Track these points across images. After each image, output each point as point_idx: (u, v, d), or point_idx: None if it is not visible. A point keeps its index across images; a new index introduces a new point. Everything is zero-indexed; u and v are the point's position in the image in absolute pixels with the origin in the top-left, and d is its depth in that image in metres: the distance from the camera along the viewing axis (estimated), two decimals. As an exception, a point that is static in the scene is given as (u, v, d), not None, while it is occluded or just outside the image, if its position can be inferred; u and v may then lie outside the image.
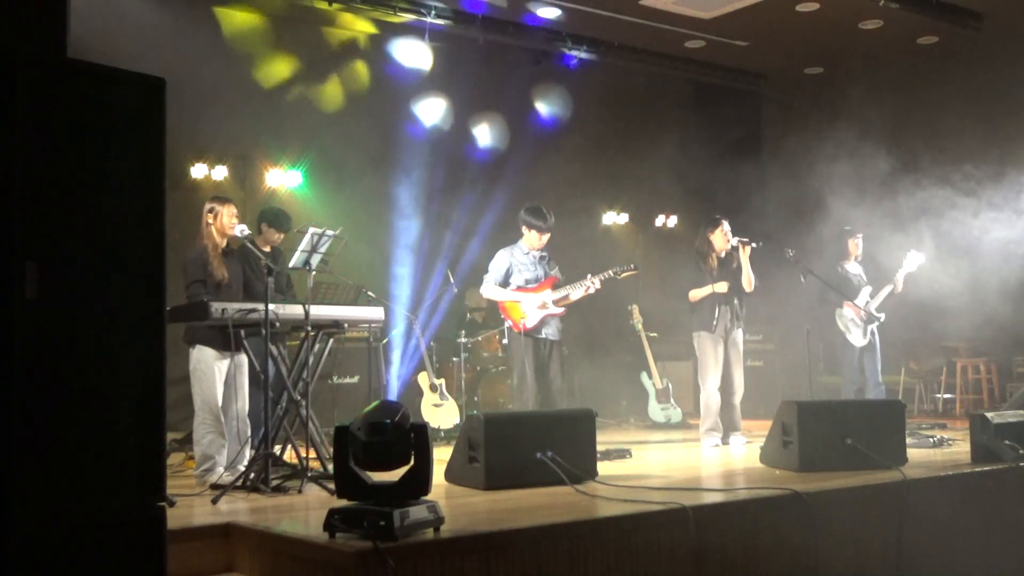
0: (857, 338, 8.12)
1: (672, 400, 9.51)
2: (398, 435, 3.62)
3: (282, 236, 6.78)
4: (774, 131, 11.40)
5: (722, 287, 7.35)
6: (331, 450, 4.39)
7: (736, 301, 7.47)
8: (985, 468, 5.57)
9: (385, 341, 8.60)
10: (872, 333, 8.14)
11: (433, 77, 9.93)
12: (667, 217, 11.88)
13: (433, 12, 9.06)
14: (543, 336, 6.99)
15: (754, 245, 7.44)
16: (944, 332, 10.20)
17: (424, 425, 3.74)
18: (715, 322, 7.35)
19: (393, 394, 8.76)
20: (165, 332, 3.26)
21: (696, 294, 7.43)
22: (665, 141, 11.28)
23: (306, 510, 4.62)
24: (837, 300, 8.11)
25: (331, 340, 5.96)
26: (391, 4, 8.88)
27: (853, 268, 8.38)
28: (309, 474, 5.20)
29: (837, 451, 5.52)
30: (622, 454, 6.60)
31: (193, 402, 5.71)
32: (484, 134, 10.36)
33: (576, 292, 6.98)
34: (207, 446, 5.61)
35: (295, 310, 5.51)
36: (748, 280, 7.47)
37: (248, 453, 5.65)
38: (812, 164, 9.85)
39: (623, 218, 11.63)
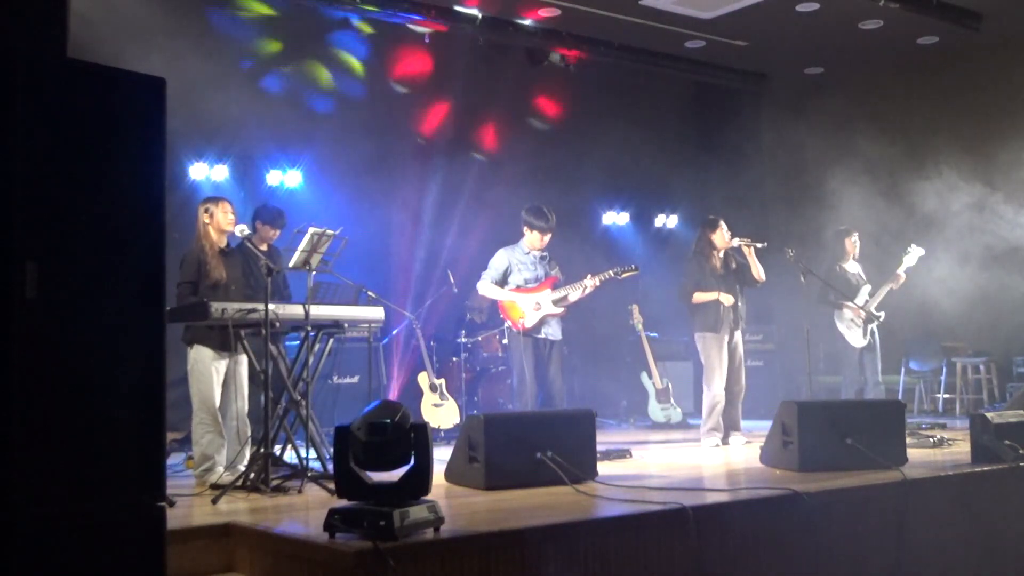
0: (856, 338, 8.12)
1: (672, 400, 9.51)
2: (398, 435, 3.62)
3: (277, 233, 6.79)
4: (774, 131, 11.40)
5: (727, 299, 7.34)
6: (331, 450, 4.39)
7: (737, 301, 7.47)
8: (985, 468, 5.57)
9: (385, 341, 8.60)
10: (872, 333, 8.14)
11: (432, 77, 9.93)
12: (667, 217, 11.89)
13: (433, 11, 9.06)
14: (543, 336, 7.00)
15: (759, 245, 7.44)
16: (944, 332, 10.20)
17: (424, 425, 3.74)
18: (720, 323, 7.35)
19: (393, 394, 8.77)
20: (165, 332, 3.26)
21: (701, 297, 7.42)
22: (665, 141, 11.28)
23: (306, 510, 4.62)
24: (836, 300, 8.11)
25: (331, 340, 5.96)
26: (391, 4, 8.88)
27: (852, 267, 8.38)
28: (309, 474, 5.20)
29: (837, 451, 5.52)
30: (622, 454, 6.60)
31: (191, 402, 5.72)
32: (484, 134, 10.36)
33: (575, 292, 6.99)
34: (206, 446, 5.62)
35: (295, 310, 5.51)
36: (758, 273, 7.47)
37: (248, 453, 5.65)
38: (812, 164, 9.87)
39: (623, 218, 11.63)
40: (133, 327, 3.15)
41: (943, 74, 10.59)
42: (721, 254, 7.53)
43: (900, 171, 9.58)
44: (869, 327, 8.11)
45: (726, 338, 7.38)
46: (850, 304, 8.07)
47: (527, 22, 9.63)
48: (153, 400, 3.18)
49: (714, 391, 7.36)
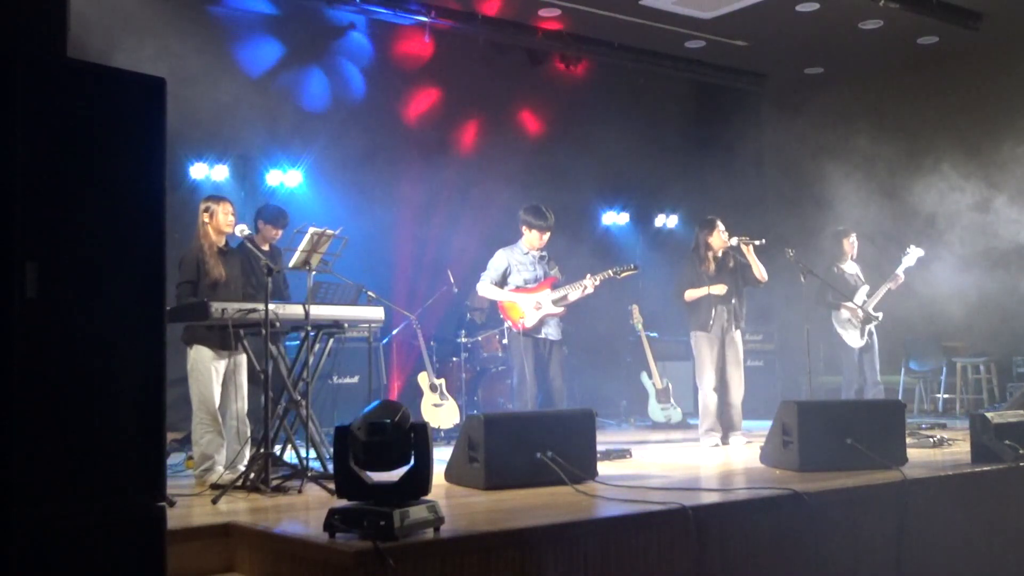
0: (854, 339, 8.12)
1: (672, 400, 9.51)
2: (398, 435, 3.62)
3: (279, 233, 6.79)
4: (774, 131, 11.41)
5: (719, 289, 7.34)
6: (331, 450, 4.39)
7: (735, 301, 7.46)
8: (985, 468, 5.57)
9: (385, 341, 8.60)
10: (870, 333, 8.13)
11: (433, 77, 9.93)
12: (667, 217, 11.89)
13: (433, 12, 9.06)
14: (543, 336, 7.00)
15: (757, 243, 7.43)
16: (944, 332, 10.20)
17: (424, 425, 3.74)
18: (711, 322, 7.35)
19: (393, 394, 8.76)
20: (165, 332, 3.26)
21: (692, 294, 7.43)
22: (665, 141, 11.28)
23: (306, 510, 4.62)
24: (835, 301, 8.10)
25: (331, 340, 5.96)
26: (391, 3, 8.88)
27: (849, 268, 8.37)
28: (309, 474, 5.20)
29: (837, 451, 5.52)
30: (622, 454, 6.60)
31: (191, 402, 5.72)
32: (484, 134, 10.37)
33: (575, 292, 6.98)
34: (206, 446, 5.62)
35: (295, 310, 5.51)
36: (759, 272, 7.46)
37: (248, 453, 5.65)
38: (812, 164, 9.86)
39: (623, 218, 11.63)
40: (133, 327, 3.16)
41: (943, 74, 10.60)
42: (719, 254, 7.53)
43: (900, 171, 9.57)
44: (867, 328, 8.11)
45: (718, 337, 7.39)
46: (848, 304, 8.07)
47: (528, 22, 9.63)
48: (153, 400, 3.18)
49: (705, 390, 7.37)
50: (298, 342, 5.89)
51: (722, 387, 7.42)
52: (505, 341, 8.03)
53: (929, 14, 9.30)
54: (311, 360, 5.62)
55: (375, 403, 3.75)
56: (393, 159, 9.60)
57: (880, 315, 8.09)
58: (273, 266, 5.50)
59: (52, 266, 2.97)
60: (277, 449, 5.47)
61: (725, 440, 7.37)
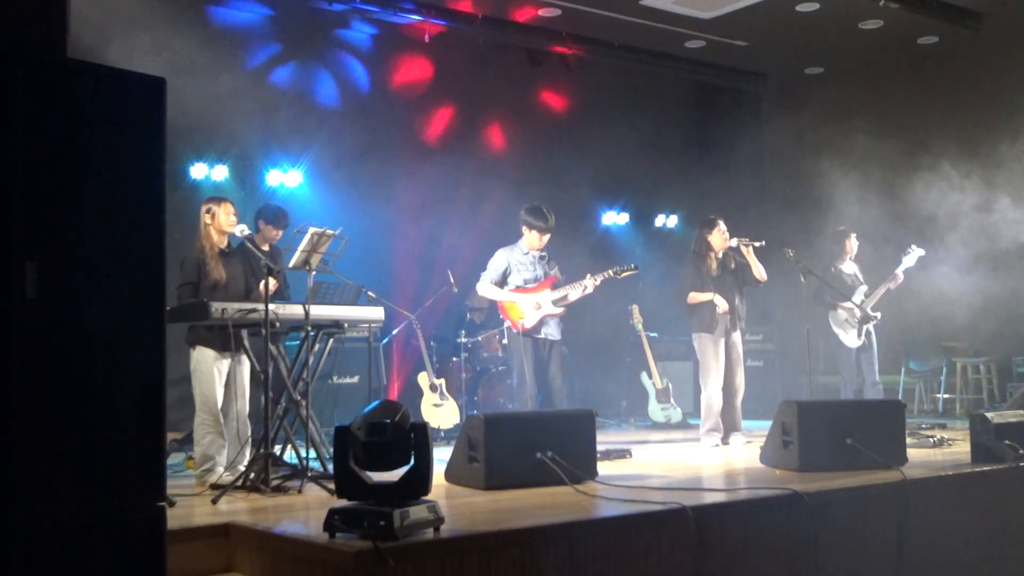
0: (851, 339, 8.11)
1: (672, 400, 9.50)
2: (398, 435, 3.62)
3: (280, 233, 6.79)
4: (774, 131, 11.41)
5: (722, 304, 7.32)
6: (331, 450, 4.39)
7: (737, 301, 7.46)
8: (985, 468, 5.57)
9: (385, 341, 8.60)
10: (868, 333, 8.13)
11: (433, 77, 9.93)
12: (667, 217, 11.89)
13: (433, 11, 9.07)
14: (542, 336, 7.00)
15: (757, 244, 7.43)
16: (944, 332, 10.20)
17: (424, 425, 3.74)
18: (716, 323, 7.35)
19: (393, 394, 8.75)
20: (165, 332, 3.26)
21: (696, 297, 7.42)
22: (665, 141, 11.29)
23: (306, 510, 4.62)
24: (832, 302, 8.10)
25: (331, 340, 5.95)
26: (391, 4, 8.89)
27: (848, 268, 8.36)
28: (309, 474, 5.20)
29: (837, 451, 5.52)
30: (622, 454, 6.60)
31: (194, 402, 5.72)
32: (484, 134, 10.37)
33: (575, 292, 6.99)
34: (207, 446, 5.62)
35: (295, 310, 5.51)
36: (759, 272, 7.46)
37: (248, 453, 5.65)
38: (812, 164, 9.87)
39: (623, 218, 11.63)
40: (133, 327, 3.16)
41: (944, 74, 10.60)
42: (720, 255, 7.53)
43: (900, 171, 9.57)
44: (864, 327, 8.10)
45: (722, 338, 7.39)
46: (846, 304, 8.06)
47: (527, 22, 9.63)
48: (153, 400, 3.18)
49: (710, 391, 7.36)
50: (298, 342, 5.89)
51: (724, 387, 7.41)
52: (505, 341, 8.03)
53: (929, 14, 9.30)
54: (311, 360, 5.62)
55: (375, 403, 3.75)
56: (393, 159, 9.59)
57: (878, 315, 8.08)
58: (273, 266, 5.50)
59: (52, 266, 2.97)
60: (277, 449, 5.47)
61: (725, 440, 7.37)
